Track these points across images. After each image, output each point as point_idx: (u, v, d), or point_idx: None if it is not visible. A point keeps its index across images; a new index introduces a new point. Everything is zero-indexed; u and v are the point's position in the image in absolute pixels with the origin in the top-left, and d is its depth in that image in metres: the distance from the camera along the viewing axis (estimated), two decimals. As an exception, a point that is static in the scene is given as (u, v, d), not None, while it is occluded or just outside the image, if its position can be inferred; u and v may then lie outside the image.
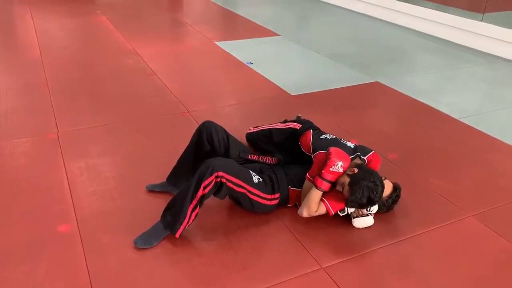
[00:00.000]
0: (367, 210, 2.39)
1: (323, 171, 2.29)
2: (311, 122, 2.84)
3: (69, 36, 5.78)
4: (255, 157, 2.54)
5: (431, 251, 2.28)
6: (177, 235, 2.21)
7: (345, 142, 2.54)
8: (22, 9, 6.93)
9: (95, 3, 7.70)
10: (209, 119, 2.59)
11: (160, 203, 2.49)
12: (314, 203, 2.29)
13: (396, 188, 2.46)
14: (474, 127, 3.61)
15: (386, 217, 2.50)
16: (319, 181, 2.28)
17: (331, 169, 2.27)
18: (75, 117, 3.50)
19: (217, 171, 2.15)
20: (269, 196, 2.37)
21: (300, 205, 2.40)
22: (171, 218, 2.23)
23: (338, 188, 2.33)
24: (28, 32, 5.70)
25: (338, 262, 2.17)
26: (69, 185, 2.65)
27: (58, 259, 2.12)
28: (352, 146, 2.51)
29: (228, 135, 2.55)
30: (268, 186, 2.37)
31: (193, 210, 2.20)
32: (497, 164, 3.12)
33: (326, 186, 2.29)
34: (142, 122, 3.47)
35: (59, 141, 3.13)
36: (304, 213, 2.31)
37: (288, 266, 2.13)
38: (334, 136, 2.59)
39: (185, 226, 2.21)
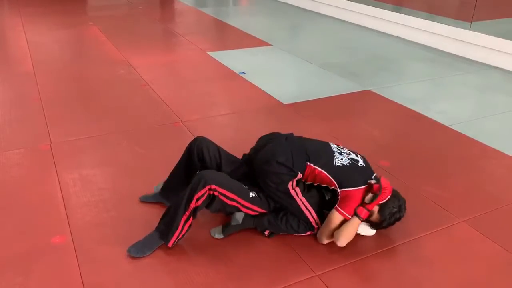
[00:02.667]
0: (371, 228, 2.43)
1: (373, 203, 2.26)
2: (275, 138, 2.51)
3: (61, 48, 5.79)
4: None
5: (424, 256, 2.30)
6: (170, 245, 2.23)
7: (357, 159, 2.41)
8: (13, 21, 6.94)
9: (87, 14, 7.73)
10: (202, 129, 2.60)
11: (154, 213, 2.50)
12: (355, 232, 2.31)
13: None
14: (465, 134, 3.65)
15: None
16: (364, 213, 2.27)
17: (381, 202, 2.29)
18: (68, 128, 3.50)
19: (209, 184, 2.15)
20: (263, 211, 2.36)
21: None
22: (165, 228, 2.24)
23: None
24: (20, 44, 5.70)
25: (332, 269, 2.18)
26: (62, 196, 2.65)
27: (52, 271, 2.11)
28: (365, 165, 2.43)
29: (220, 152, 2.49)
30: (264, 203, 2.36)
31: (186, 221, 2.20)
32: (488, 171, 3.17)
33: (366, 215, 2.31)
34: (135, 133, 3.48)
35: (52, 152, 3.13)
36: (345, 243, 2.28)
37: (283, 274, 2.14)
38: (348, 161, 2.37)
39: (177, 236, 2.21)
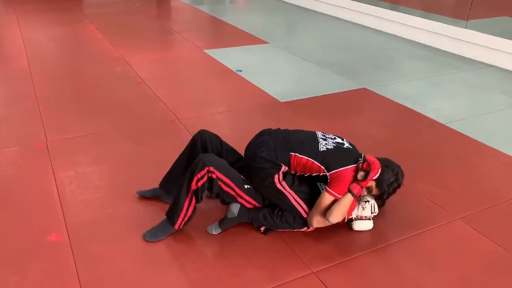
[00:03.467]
0: (371, 213, 2.43)
1: (367, 180, 2.27)
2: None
3: (57, 45, 5.76)
4: None
5: (420, 253, 2.31)
6: (176, 227, 2.29)
7: (342, 142, 2.41)
8: (9, 18, 6.89)
9: (83, 11, 7.70)
10: (199, 127, 2.60)
11: (150, 210, 2.51)
12: (347, 208, 2.31)
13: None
14: (461, 132, 3.67)
15: (375, 221, 2.53)
16: (358, 189, 2.28)
17: (374, 177, 2.31)
18: (64, 126, 3.49)
19: (208, 166, 2.19)
20: (257, 205, 2.38)
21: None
22: (170, 211, 2.30)
23: (363, 192, 2.38)
24: (15, 42, 5.67)
25: (329, 266, 2.19)
26: (58, 194, 2.64)
27: (48, 268, 2.10)
28: (351, 146, 2.44)
29: (222, 144, 2.53)
30: (258, 197, 2.38)
31: (189, 204, 2.25)
32: (483, 168, 3.18)
33: (359, 191, 2.32)
34: (132, 130, 3.47)
35: (48, 150, 3.12)
36: (338, 219, 2.27)
37: (279, 271, 2.15)
38: (332, 144, 2.37)
39: (182, 218, 2.26)
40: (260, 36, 6.34)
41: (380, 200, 2.45)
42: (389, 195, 2.41)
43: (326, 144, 2.35)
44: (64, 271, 2.09)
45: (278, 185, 2.31)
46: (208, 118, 3.76)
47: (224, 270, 2.13)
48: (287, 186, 2.33)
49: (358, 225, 2.42)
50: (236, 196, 2.31)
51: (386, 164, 2.37)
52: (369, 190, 2.39)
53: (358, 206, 2.42)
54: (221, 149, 2.51)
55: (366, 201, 2.44)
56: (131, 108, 3.87)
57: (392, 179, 2.34)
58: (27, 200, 2.59)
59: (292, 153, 2.32)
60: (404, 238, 2.41)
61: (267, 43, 6.09)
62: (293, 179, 2.37)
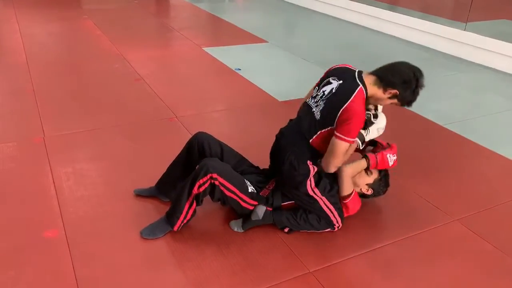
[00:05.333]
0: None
1: (383, 151, 2.38)
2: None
3: (56, 41, 5.74)
4: (267, 192, 2.42)
5: (417, 254, 2.32)
6: (175, 229, 2.27)
7: (331, 87, 2.27)
8: (7, 13, 6.86)
9: (82, 7, 7.67)
10: (197, 125, 2.60)
11: (148, 208, 2.50)
12: (355, 169, 2.40)
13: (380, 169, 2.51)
14: (459, 133, 3.67)
15: (374, 221, 2.54)
16: (373, 158, 2.36)
17: (388, 155, 2.39)
18: (62, 122, 3.47)
19: (211, 173, 2.17)
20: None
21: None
22: (170, 212, 2.29)
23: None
24: (13, 37, 5.64)
25: (326, 266, 2.19)
26: (55, 190, 2.63)
27: (45, 265, 2.09)
28: (342, 81, 2.26)
29: (222, 147, 2.48)
30: (262, 199, 2.37)
31: (190, 207, 2.24)
32: (481, 170, 3.19)
33: (373, 163, 2.38)
34: (130, 127, 3.46)
35: (45, 145, 3.10)
36: (332, 169, 2.25)
37: (276, 270, 2.14)
38: (323, 103, 2.25)
39: (182, 221, 2.25)
40: (259, 35, 6.33)
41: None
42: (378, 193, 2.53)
43: (317, 106, 2.27)
44: (60, 267, 2.08)
45: (311, 192, 2.31)
46: (207, 116, 3.76)
47: (221, 269, 2.12)
48: (319, 192, 2.33)
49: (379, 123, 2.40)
50: (239, 200, 2.29)
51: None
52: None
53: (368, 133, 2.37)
54: (220, 152, 2.46)
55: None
56: (129, 105, 3.86)
57: (413, 86, 2.20)
58: (24, 195, 2.58)
59: (309, 145, 2.28)
60: (401, 239, 2.41)
61: (266, 42, 6.08)
62: (325, 186, 2.36)
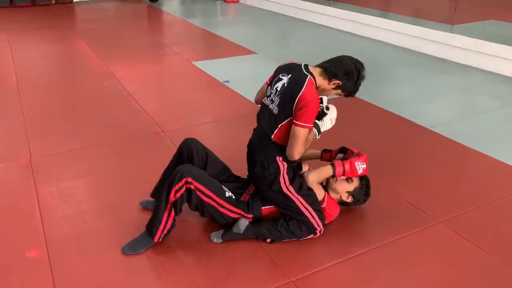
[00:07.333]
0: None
1: (351, 159, 2.43)
2: None
3: (47, 62, 5.80)
4: (247, 197, 2.45)
5: (401, 258, 2.31)
6: (155, 240, 2.27)
7: (283, 83, 2.33)
8: (0, 37, 6.95)
9: (75, 28, 7.77)
10: (183, 138, 2.59)
11: (131, 224, 2.50)
12: (320, 175, 2.45)
13: (361, 177, 2.53)
14: (445, 135, 3.67)
15: (356, 226, 2.54)
16: (339, 165, 2.41)
17: (356, 163, 2.42)
18: (49, 142, 3.50)
19: (186, 177, 2.18)
20: (241, 212, 2.38)
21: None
22: (149, 223, 2.29)
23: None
24: (5, 60, 5.71)
25: (308, 275, 2.18)
26: (40, 210, 2.64)
27: (25, 285, 2.09)
28: (292, 75, 2.35)
29: (207, 154, 2.53)
30: (242, 204, 2.39)
31: (168, 216, 2.24)
32: (466, 171, 3.19)
33: (340, 171, 2.42)
34: (116, 144, 3.48)
35: (31, 166, 3.13)
36: (297, 155, 2.27)
37: (258, 279, 2.14)
38: (278, 97, 2.32)
39: (162, 231, 2.25)
40: (248, 47, 6.38)
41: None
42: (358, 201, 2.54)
43: (273, 102, 2.34)
44: (41, 287, 2.08)
45: (285, 190, 2.33)
46: (193, 129, 3.77)
47: (202, 281, 2.12)
48: (294, 191, 2.35)
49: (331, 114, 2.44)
50: (217, 206, 2.30)
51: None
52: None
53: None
54: (206, 159, 2.51)
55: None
56: (116, 122, 3.89)
57: (355, 77, 2.31)
58: (8, 216, 2.59)
59: (272, 139, 2.34)
60: (385, 243, 2.41)
61: (255, 53, 6.12)
62: (300, 184, 2.39)
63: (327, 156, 2.64)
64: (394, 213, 2.65)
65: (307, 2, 8.33)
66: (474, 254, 2.35)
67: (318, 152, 2.67)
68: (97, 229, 2.49)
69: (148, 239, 2.29)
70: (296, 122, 2.23)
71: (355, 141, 3.56)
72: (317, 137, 2.39)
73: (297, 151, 2.26)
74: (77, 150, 3.38)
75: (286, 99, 2.27)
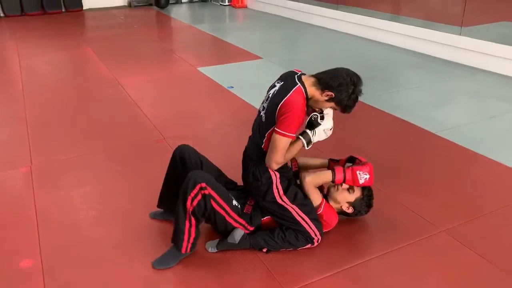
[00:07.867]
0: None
1: (353, 167, 2.36)
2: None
3: (53, 70, 5.84)
4: (250, 209, 2.39)
5: (403, 268, 2.24)
6: (183, 251, 2.21)
7: (275, 89, 2.29)
8: (8, 45, 7.04)
9: (83, 36, 7.83)
10: (184, 143, 2.56)
11: (128, 234, 2.47)
12: (317, 179, 2.38)
13: (364, 188, 2.45)
14: (451, 140, 3.58)
15: (357, 235, 2.47)
16: (340, 172, 2.34)
17: (358, 172, 2.34)
18: (51, 150, 3.50)
19: (200, 183, 2.12)
20: (245, 224, 2.32)
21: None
22: (174, 237, 2.23)
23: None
24: (12, 68, 5.77)
25: (304, 285, 2.12)
26: (37, 219, 2.63)
27: (18, 295, 2.08)
28: (281, 81, 2.33)
29: (201, 159, 2.48)
30: (245, 216, 2.34)
31: (190, 226, 2.17)
32: (473, 177, 3.09)
33: (339, 178, 2.34)
34: (116, 151, 3.47)
35: (31, 174, 3.12)
36: (274, 165, 2.18)
37: (252, 291, 2.09)
38: (268, 104, 2.26)
39: (188, 241, 2.19)
40: (254, 52, 6.36)
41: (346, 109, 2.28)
42: (360, 212, 2.47)
43: (264, 109, 2.28)
44: (34, 298, 2.06)
45: (279, 200, 2.28)
46: (195, 135, 3.75)
47: (196, 292, 2.08)
48: (288, 200, 2.29)
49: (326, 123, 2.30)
50: (225, 214, 2.24)
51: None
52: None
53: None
54: (200, 164, 2.47)
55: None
56: (118, 130, 3.88)
57: (350, 90, 2.18)
58: (4, 225, 2.58)
59: (262, 147, 2.28)
60: (387, 252, 2.34)
61: (261, 58, 6.09)
62: (295, 193, 2.33)
63: (334, 165, 2.52)
64: (396, 221, 2.58)
65: (315, 7, 8.28)
66: (478, 264, 2.26)
67: (325, 161, 2.58)
68: (92, 239, 2.46)
69: (176, 252, 2.23)
70: (276, 129, 2.15)
71: (359, 147, 3.50)
72: (306, 147, 2.28)
73: (274, 160, 2.17)
74: (78, 157, 3.37)
75: (272, 106, 2.21)
